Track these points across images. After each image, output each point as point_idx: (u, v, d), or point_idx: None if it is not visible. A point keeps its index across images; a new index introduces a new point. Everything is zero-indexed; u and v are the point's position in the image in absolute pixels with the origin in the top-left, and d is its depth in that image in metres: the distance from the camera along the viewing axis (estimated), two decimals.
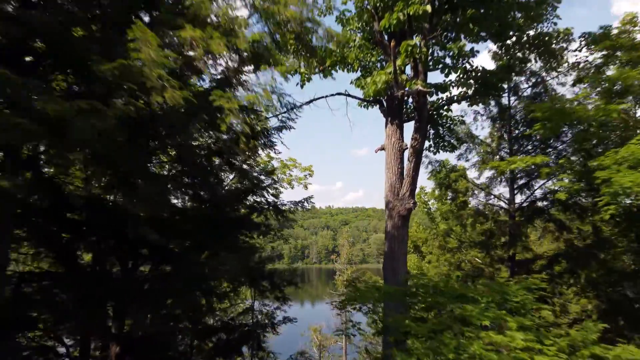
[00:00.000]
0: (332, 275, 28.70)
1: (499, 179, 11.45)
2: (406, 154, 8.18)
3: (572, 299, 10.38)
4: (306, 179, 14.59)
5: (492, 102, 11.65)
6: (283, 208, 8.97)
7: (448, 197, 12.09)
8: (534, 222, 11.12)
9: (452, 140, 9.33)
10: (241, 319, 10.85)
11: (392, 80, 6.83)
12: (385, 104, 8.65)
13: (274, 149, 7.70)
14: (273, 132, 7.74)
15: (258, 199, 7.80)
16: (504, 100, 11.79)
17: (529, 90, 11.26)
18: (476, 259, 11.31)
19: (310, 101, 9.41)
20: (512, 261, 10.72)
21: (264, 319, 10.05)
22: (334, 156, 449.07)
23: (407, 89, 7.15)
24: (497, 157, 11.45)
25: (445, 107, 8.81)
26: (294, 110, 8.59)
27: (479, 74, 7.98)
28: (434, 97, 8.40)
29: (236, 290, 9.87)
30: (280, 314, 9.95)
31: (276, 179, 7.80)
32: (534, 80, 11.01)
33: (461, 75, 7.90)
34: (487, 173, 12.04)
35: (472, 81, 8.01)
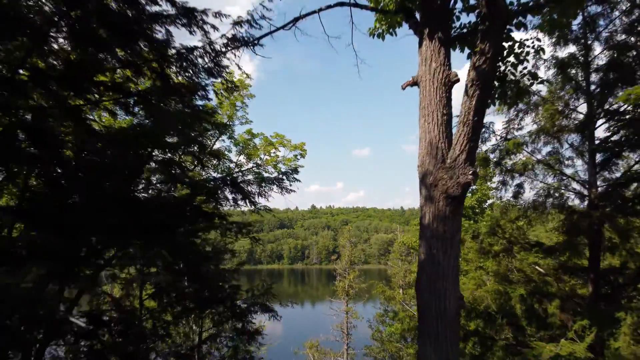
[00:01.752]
0: (333, 276, 25.59)
1: (571, 156, 7.98)
2: (456, 91, 4.75)
3: None
4: (297, 160, 11.18)
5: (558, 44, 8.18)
6: (249, 189, 5.57)
7: (496, 179, 8.61)
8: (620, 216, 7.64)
9: (525, 83, 5.73)
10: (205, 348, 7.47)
11: None
12: (417, 13, 5.21)
13: (221, 73, 4.27)
14: (221, 47, 4.31)
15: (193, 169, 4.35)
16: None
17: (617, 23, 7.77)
18: (537, 267, 7.91)
19: (296, 20, 5.92)
20: (594, 272, 7.26)
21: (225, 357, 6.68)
22: (334, 156, 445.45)
23: None
24: (566, 121, 7.98)
25: (516, 22, 5.32)
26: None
27: None
28: None
29: (185, 318, 6.46)
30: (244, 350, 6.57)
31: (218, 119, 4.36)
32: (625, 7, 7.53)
33: None
34: (547, 148, 8.58)
35: None
